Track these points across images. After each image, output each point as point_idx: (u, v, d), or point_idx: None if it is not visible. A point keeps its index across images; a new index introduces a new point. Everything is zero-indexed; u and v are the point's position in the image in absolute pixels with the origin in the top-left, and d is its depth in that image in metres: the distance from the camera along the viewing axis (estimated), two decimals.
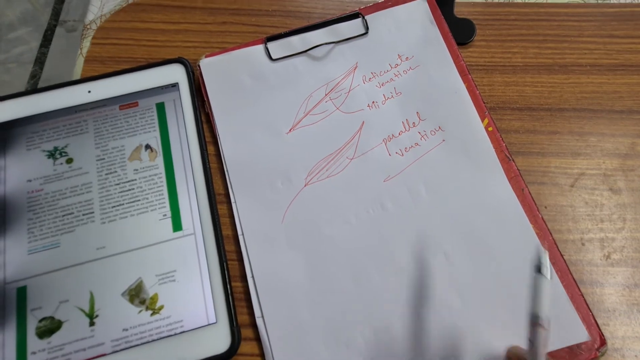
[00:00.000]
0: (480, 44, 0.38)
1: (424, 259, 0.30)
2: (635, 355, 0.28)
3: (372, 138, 0.34)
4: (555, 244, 0.30)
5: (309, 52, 0.36)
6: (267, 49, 0.36)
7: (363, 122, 0.34)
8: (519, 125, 0.35)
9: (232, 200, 0.32)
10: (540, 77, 0.37)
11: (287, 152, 0.33)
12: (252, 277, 0.30)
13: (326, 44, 0.36)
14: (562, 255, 0.30)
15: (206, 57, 0.36)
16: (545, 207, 0.32)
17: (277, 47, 0.36)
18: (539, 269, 0.23)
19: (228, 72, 0.36)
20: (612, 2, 0.39)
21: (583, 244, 0.31)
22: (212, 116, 0.34)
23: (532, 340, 0.23)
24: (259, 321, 0.29)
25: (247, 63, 0.36)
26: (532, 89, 0.36)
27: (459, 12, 0.39)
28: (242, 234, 0.31)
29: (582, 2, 0.39)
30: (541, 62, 0.37)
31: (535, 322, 0.23)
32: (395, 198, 0.32)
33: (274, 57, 0.36)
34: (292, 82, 0.35)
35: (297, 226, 0.31)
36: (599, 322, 0.29)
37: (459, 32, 0.38)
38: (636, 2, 0.39)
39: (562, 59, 0.37)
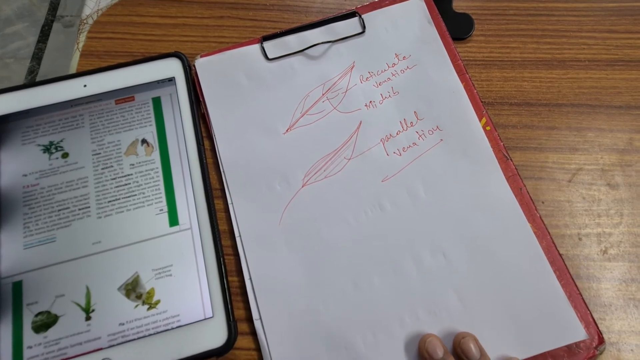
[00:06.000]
0: (478, 38, 0.38)
1: (422, 260, 0.30)
2: (632, 349, 0.28)
3: (369, 138, 0.33)
4: (554, 242, 0.30)
5: (305, 51, 0.36)
6: (263, 49, 0.36)
7: (360, 121, 0.34)
8: (516, 121, 0.35)
9: (229, 201, 0.32)
10: (539, 72, 0.36)
11: (284, 153, 0.33)
12: (250, 279, 0.30)
13: (323, 43, 0.36)
14: (560, 254, 0.29)
15: (201, 57, 0.36)
16: (543, 202, 0.32)
17: (273, 47, 0.36)
18: None
19: (224, 72, 0.35)
20: None
21: (580, 239, 0.31)
22: (208, 117, 0.34)
23: None
24: (256, 323, 0.29)
25: (243, 63, 0.36)
26: (531, 84, 0.36)
27: (457, 6, 0.39)
28: (240, 236, 0.31)
29: None
30: (540, 57, 0.37)
31: None
32: (393, 198, 0.31)
33: (270, 56, 0.36)
34: (288, 82, 0.35)
35: (294, 227, 0.31)
36: (596, 316, 0.29)
37: (458, 26, 0.37)
38: None
39: (561, 54, 0.37)
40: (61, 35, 1.20)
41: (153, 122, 0.33)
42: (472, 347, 0.26)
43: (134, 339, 0.27)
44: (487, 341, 0.27)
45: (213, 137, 0.34)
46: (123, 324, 0.28)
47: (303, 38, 0.36)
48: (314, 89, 0.35)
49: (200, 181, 0.32)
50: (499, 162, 0.32)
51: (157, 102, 0.34)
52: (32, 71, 1.15)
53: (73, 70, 0.37)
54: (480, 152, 0.32)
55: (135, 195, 0.31)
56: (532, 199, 0.31)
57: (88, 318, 0.28)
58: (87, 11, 0.40)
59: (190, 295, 0.28)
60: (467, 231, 0.30)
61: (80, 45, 0.38)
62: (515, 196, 0.31)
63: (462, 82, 0.35)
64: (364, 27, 0.37)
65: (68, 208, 0.30)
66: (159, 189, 0.31)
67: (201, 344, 0.27)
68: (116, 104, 0.34)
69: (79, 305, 0.28)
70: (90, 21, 0.39)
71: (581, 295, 0.28)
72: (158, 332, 0.28)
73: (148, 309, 0.28)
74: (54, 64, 1.16)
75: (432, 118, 0.34)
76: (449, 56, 0.35)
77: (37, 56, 1.17)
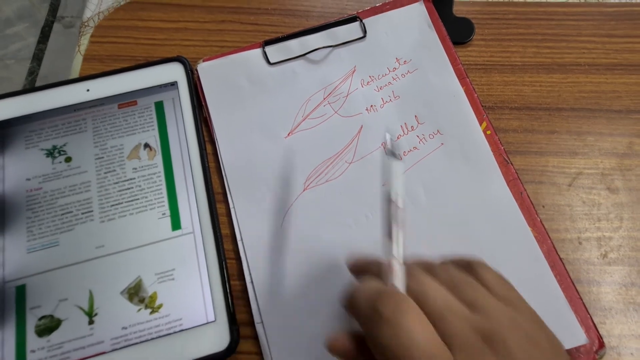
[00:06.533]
0: (479, 43, 0.38)
1: None
2: (632, 353, 0.28)
3: (370, 142, 0.34)
4: (554, 246, 0.30)
5: (306, 55, 0.36)
6: (264, 53, 0.36)
7: (361, 125, 0.34)
8: (517, 125, 0.35)
9: (231, 205, 0.32)
10: (539, 76, 0.37)
11: (286, 157, 0.33)
12: (252, 282, 0.30)
13: (324, 47, 0.36)
14: (560, 258, 0.30)
15: (204, 61, 0.36)
16: (543, 207, 0.32)
17: (275, 51, 0.36)
18: (391, 153, 0.23)
19: (226, 77, 0.35)
20: (610, 1, 0.39)
21: (580, 243, 0.31)
22: (210, 121, 0.34)
23: (389, 218, 0.22)
24: (258, 327, 0.29)
25: (244, 67, 0.36)
26: (531, 88, 0.36)
27: (457, 11, 0.39)
28: (241, 239, 0.31)
29: (581, 1, 0.39)
30: (540, 61, 0.37)
31: (390, 200, 0.23)
32: None
33: (271, 61, 0.36)
34: (290, 86, 0.35)
35: (296, 231, 0.31)
36: (596, 320, 0.29)
37: (458, 31, 0.38)
38: (635, 1, 0.39)
39: (561, 58, 0.37)
40: (61, 36, 1.20)
41: (155, 127, 0.33)
42: None
43: (137, 343, 0.28)
44: None
45: (215, 141, 0.34)
46: (126, 328, 0.28)
47: (304, 42, 0.36)
48: (315, 93, 0.35)
49: (202, 185, 0.32)
50: (499, 166, 0.32)
51: (159, 106, 0.34)
52: (33, 72, 1.15)
53: (75, 73, 0.37)
54: (481, 156, 0.33)
55: (138, 199, 0.31)
56: (532, 203, 0.31)
57: (91, 322, 0.28)
58: (88, 13, 0.40)
59: (193, 299, 0.29)
60: (467, 235, 0.31)
61: (82, 48, 0.38)
62: (516, 200, 0.31)
63: (462, 86, 0.35)
64: (364, 31, 0.37)
65: (71, 212, 0.31)
66: (161, 193, 0.31)
67: (203, 348, 0.28)
68: (119, 108, 0.34)
69: (82, 309, 0.28)
70: (92, 23, 0.39)
71: (582, 300, 0.29)
72: (160, 336, 0.28)
73: (150, 312, 0.28)
74: (54, 64, 1.16)
75: (433, 122, 0.34)
76: (450, 60, 0.36)
77: (38, 57, 1.17)
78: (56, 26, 1.21)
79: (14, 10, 1.23)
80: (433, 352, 0.17)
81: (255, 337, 0.29)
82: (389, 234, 0.22)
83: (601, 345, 0.27)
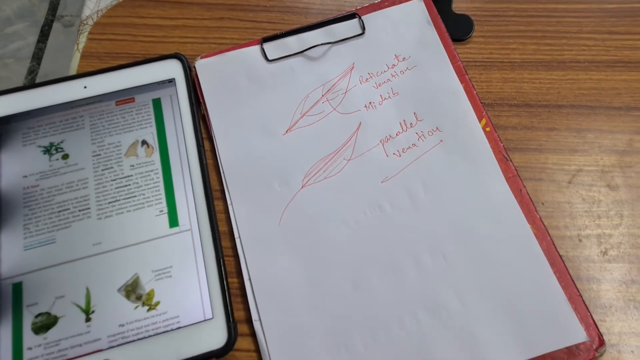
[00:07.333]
0: (478, 40, 0.38)
1: (422, 261, 0.30)
2: (632, 351, 0.28)
3: (369, 139, 0.33)
4: (554, 244, 0.30)
5: (305, 52, 0.36)
6: (263, 50, 0.36)
7: (360, 122, 0.34)
8: (516, 122, 0.35)
9: (229, 202, 0.32)
10: (539, 73, 0.36)
11: (284, 154, 0.33)
12: (249, 279, 0.30)
13: (322, 44, 0.36)
14: (560, 256, 0.29)
15: (202, 58, 0.36)
16: (543, 204, 0.32)
17: (273, 48, 0.36)
18: None
19: (224, 74, 0.35)
20: None
21: (580, 240, 0.31)
22: (208, 118, 0.34)
23: None
24: (256, 324, 0.29)
25: (243, 64, 0.36)
26: (530, 85, 0.36)
27: (457, 8, 0.39)
28: (239, 237, 0.31)
29: None
30: (539, 58, 0.37)
31: None
32: (393, 199, 0.31)
33: (270, 57, 0.36)
34: (288, 83, 0.35)
35: (294, 228, 0.31)
36: (596, 318, 0.29)
37: (457, 28, 0.37)
38: None
39: (561, 55, 0.37)
40: (61, 35, 1.20)
41: (153, 124, 0.33)
42: None
43: (134, 340, 0.27)
44: (486, 342, 0.27)
45: (213, 138, 0.34)
46: (123, 325, 0.28)
47: (303, 39, 0.36)
48: (314, 90, 0.35)
49: (200, 182, 0.32)
50: (499, 163, 0.32)
51: (157, 103, 0.34)
52: (32, 71, 1.15)
53: (73, 71, 0.37)
54: (480, 153, 0.32)
55: (136, 196, 0.31)
56: (532, 200, 0.31)
57: (88, 319, 0.28)
58: (86, 12, 0.40)
59: (190, 296, 0.28)
60: (467, 232, 0.30)
61: (80, 46, 0.38)
62: (515, 197, 0.31)
63: (461, 83, 0.35)
64: (363, 28, 0.37)
65: (68, 209, 0.30)
66: (159, 190, 0.31)
67: (201, 346, 0.27)
68: (116, 105, 0.34)
69: (78, 306, 0.28)
70: (90, 22, 0.39)
71: (581, 297, 0.28)
72: (158, 334, 0.28)
73: (148, 310, 0.28)
74: (54, 64, 1.16)
75: (432, 119, 0.34)
76: (449, 57, 0.35)
77: (37, 56, 1.17)
78: (56, 25, 1.21)
79: (14, 9, 1.23)
80: None
81: (253, 335, 0.29)
82: None
83: (601, 342, 0.27)
